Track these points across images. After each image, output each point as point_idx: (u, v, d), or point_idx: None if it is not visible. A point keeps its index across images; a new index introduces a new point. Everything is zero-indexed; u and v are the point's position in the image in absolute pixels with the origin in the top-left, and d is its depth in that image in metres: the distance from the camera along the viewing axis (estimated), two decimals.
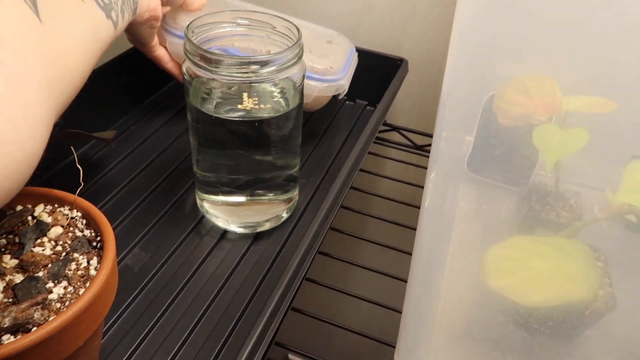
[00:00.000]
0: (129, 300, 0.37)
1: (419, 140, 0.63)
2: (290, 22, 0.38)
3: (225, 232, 0.44)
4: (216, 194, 0.43)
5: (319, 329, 0.60)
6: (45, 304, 0.24)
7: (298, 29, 0.37)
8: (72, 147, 0.30)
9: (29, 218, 0.29)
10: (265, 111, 0.38)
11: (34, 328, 0.23)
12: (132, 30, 0.43)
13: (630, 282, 0.35)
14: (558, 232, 0.36)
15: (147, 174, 0.48)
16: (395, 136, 0.64)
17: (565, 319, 0.36)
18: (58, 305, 0.25)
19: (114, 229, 0.28)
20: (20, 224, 0.29)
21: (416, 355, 0.37)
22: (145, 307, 0.37)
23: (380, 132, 0.62)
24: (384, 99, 0.52)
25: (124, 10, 0.35)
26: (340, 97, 0.53)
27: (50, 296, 0.25)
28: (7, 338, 0.23)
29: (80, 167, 0.30)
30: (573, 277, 0.30)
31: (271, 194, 0.43)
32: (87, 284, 0.26)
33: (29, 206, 0.30)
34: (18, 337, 0.23)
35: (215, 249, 0.42)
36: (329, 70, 0.49)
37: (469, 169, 0.46)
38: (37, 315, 0.23)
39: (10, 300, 0.24)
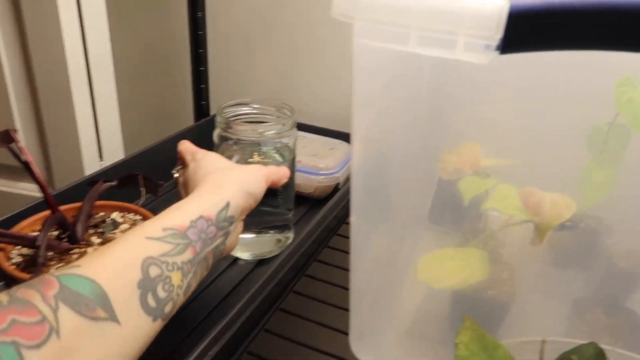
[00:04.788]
0: None
1: None
2: (288, 105, 0.56)
3: (236, 259, 0.58)
4: None
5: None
6: None
7: (292, 109, 0.55)
8: (139, 176, 0.46)
9: (108, 219, 0.45)
10: (268, 164, 0.54)
11: None
12: None
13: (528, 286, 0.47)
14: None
15: None
16: None
17: (485, 314, 0.48)
18: None
19: None
20: (102, 222, 0.45)
21: (369, 342, 0.48)
22: None
23: None
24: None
25: (195, 272, 0.33)
26: (339, 188, 0.70)
27: None
28: None
29: (142, 189, 0.46)
30: (470, 270, 0.43)
31: (272, 232, 0.58)
32: None
33: (108, 213, 0.46)
34: None
35: (227, 270, 0.57)
36: (326, 167, 0.68)
37: (430, 221, 0.61)
38: None
39: None
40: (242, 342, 0.47)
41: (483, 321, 0.48)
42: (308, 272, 0.58)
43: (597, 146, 0.49)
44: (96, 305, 0.26)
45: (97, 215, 0.45)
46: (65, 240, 0.41)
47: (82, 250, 0.40)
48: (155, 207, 0.68)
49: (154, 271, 0.29)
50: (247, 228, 0.57)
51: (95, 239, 0.42)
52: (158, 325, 0.29)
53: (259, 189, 0.40)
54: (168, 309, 0.30)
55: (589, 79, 0.41)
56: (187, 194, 0.40)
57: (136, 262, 0.28)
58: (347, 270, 0.62)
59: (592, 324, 0.44)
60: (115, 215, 0.45)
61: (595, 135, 0.49)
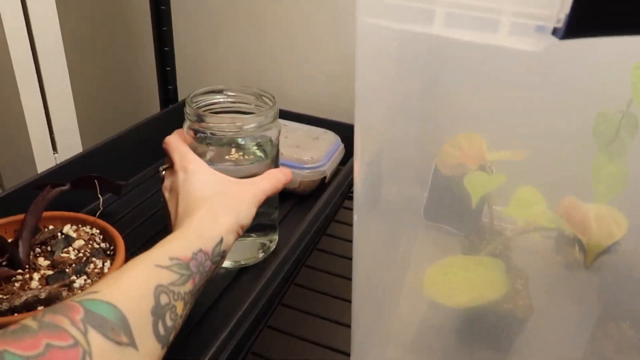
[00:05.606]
0: None
1: None
2: (269, 94, 0.48)
3: None
4: None
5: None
6: (70, 287, 0.32)
7: (274, 98, 0.48)
8: (95, 180, 0.39)
9: (59, 234, 0.37)
10: (248, 161, 0.47)
11: None
12: None
13: (544, 296, 0.42)
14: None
15: (153, 220, 0.57)
16: None
17: (496, 327, 0.43)
18: (79, 291, 0.32)
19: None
20: (51, 238, 0.37)
21: None
22: None
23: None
24: (347, 165, 0.62)
25: (191, 303, 0.33)
26: (326, 181, 0.63)
27: (74, 284, 0.33)
28: (41, 308, 0.30)
29: (100, 197, 0.38)
30: (486, 283, 0.38)
31: (254, 235, 0.51)
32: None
33: (59, 226, 0.38)
34: None
35: None
36: (310, 160, 0.61)
37: (425, 218, 0.55)
38: (64, 293, 0.31)
39: None
40: None
41: (497, 336, 0.44)
42: (297, 281, 0.52)
43: (605, 136, 0.44)
44: (120, 330, 0.26)
45: (45, 230, 0.38)
46: (4, 264, 0.33)
47: (26, 276, 0.33)
48: (117, 207, 0.60)
49: (163, 299, 0.29)
50: None
51: (43, 261, 0.35)
52: (163, 353, 0.29)
53: (249, 218, 0.40)
54: (172, 337, 0.30)
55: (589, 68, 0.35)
56: (174, 203, 0.39)
57: (149, 289, 0.29)
58: (334, 275, 0.56)
59: (618, 340, 0.40)
60: (67, 228, 0.38)
61: (602, 125, 0.44)
